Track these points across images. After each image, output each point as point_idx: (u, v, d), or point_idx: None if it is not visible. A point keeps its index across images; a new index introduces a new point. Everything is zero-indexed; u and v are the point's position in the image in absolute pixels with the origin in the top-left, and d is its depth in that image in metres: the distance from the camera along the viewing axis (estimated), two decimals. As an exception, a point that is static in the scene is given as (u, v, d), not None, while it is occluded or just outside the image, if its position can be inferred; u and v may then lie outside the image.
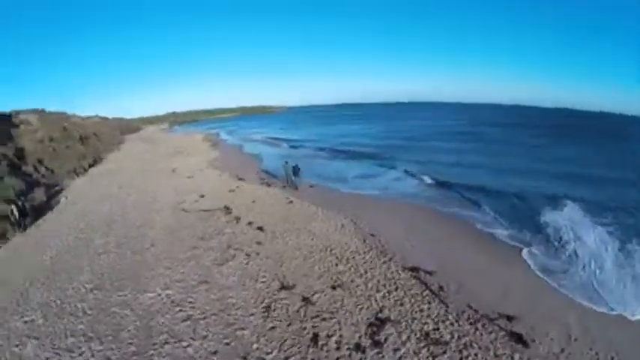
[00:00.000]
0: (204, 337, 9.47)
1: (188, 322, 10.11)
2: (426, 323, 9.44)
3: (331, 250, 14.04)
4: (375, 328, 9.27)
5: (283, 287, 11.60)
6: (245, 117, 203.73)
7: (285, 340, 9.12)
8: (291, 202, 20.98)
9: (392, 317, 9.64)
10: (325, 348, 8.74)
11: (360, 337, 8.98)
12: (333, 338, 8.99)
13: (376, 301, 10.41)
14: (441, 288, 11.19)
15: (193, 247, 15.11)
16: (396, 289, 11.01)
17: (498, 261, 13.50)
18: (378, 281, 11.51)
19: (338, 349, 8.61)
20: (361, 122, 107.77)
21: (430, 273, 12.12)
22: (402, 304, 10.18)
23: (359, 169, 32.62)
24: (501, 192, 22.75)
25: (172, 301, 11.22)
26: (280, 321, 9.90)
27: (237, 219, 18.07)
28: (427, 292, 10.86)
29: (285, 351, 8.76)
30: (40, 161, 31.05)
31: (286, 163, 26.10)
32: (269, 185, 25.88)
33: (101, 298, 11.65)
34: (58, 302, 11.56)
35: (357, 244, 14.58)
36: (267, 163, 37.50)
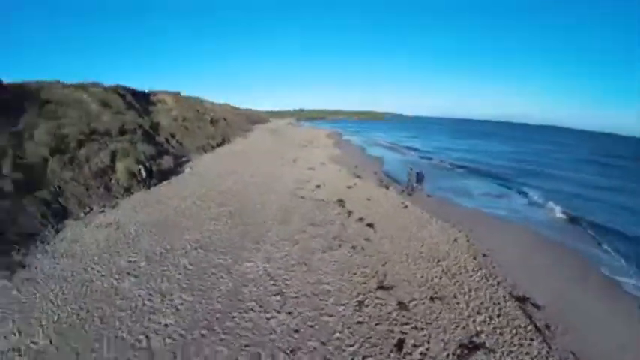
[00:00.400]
0: (290, 313, 10.01)
1: (278, 297, 10.79)
2: (522, 361, 8.77)
3: (438, 262, 13.92)
4: (465, 351, 8.94)
5: (382, 287, 11.73)
6: (359, 121, 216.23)
7: (369, 338, 9.20)
8: (406, 206, 21.10)
9: (487, 344, 9.25)
10: (408, 357, 8.64)
11: (447, 356, 8.75)
12: (419, 349, 8.92)
13: (474, 323, 10.13)
14: (547, 326, 10.53)
15: (302, 230, 16.17)
16: (499, 316, 10.57)
17: (619, 312, 12.27)
18: (482, 303, 11.17)
19: None
20: (480, 139, 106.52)
21: (538, 307, 11.51)
22: (501, 334, 9.74)
23: (480, 187, 32.51)
24: (635, 237, 20.82)
25: (268, 274, 12.17)
26: (370, 318, 10.04)
27: (350, 213, 18.83)
28: (531, 327, 10.24)
29: (367, 348, 8.81)
30: (172, 135, 36.61)
31: (411, 169, 27.58)
32: (387, 188, 26.74)
33: (203, 257, 13.31)
34: (163, 252, 13.56)
35: (467, 260, 14.26)
36: (388, 166, 39.62)
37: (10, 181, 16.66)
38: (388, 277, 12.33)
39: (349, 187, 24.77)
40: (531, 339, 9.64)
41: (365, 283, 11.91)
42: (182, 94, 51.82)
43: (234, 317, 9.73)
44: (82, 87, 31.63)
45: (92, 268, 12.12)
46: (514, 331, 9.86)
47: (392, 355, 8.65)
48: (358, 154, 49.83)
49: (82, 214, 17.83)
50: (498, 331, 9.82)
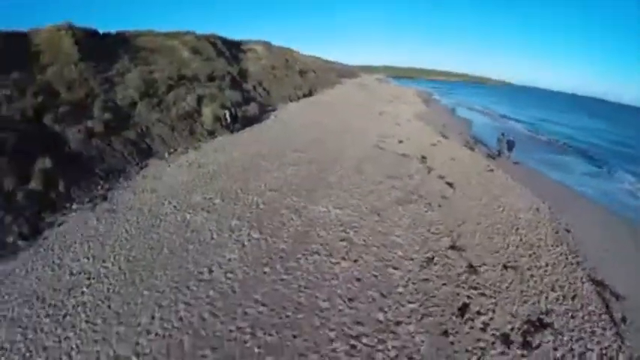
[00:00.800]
0: (355, 261, 9.50)
1: (345, 243, 10.30)
2: (590, 350, 7.78)
3: (517, 230, 12.62)
4: (532, 328, 7.99)
5: (454, 247, 10.78)
6: (462, 84, 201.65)
7: (432, 297, 8.45)
8: (491, 170, 19.46)
9: (556, 325, 8.20)
10: (469, 323, 7.84)
11: (511, 330, 7.86)
12: (482, 318, 8.11)
13: (546, 300, 9.08)
14: (624, 319, 9.13)
15: (379, 181, 15.45)
16: (573, 298, 9.39)
17: None
18: (556, 280, 10.00)
19: (483, 330, 7.78)
20: (584, 116, 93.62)
21: (617, 297, 10.07)
22: (572, 317, 8.66)
23: (572, 163, 29.29)
24: None
25: (339, 220, 11.73)
26: (437, 277, 9.24)
27: (430, 169, 17.77)
28: (607, 316, 8.99)
29: (427, 308, 8.09)
30: (260, 83, 36.98)
31: (502, 134, 26.27)
32: (472, 149, 25.01)
33: (276, 198, 13.20)
34: (238, 192, 13.65)
35: (548, 233, 12.81)
36: (477, 129, 37.66)
37: (100, 121, 17.64)
38: (462, 239, 11.31)
39: (433, 145, 23.47)
40: (604, 329, 8.44)
41: (437, 240, 11.03)
42: (272, 44, 51.96)
43: (298, 258, 9.45)
44: (175, 35, 32.84)
45: (169, 203, 12.49)
46: (587, 317, 8.72)
47: (452, 318, 7.92)
48: (446, 113, 47.50)
49: (166, 154, 18.55)
50: (570, 313, 8.71)
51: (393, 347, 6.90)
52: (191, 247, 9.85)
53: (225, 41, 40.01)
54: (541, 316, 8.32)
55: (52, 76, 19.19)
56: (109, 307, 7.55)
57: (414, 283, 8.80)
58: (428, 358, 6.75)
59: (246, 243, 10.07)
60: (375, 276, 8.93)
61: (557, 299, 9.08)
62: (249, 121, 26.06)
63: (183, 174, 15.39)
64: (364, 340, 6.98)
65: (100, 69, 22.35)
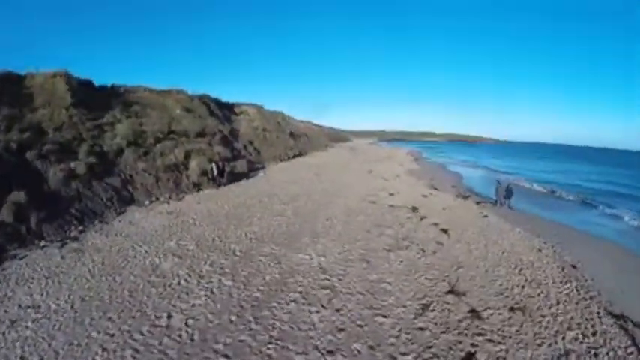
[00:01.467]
0: (337, 310, 8.21)
1: (327, 291, 9.06)
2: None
3: (520, 270, 11.51)
4: None
5: (452, 291, 9.55)
6: (451, 144, 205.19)
7: (430, 347, 7.10)
8: (485, 216, 18.52)
9: None
10: None
11: None
12: None
13: (564, 340, 7.84)
14: None
15: (367, 230, 14.40)
16: (594, 334, 8.19)
17: None
18: (571, 318, 8.79)
19: None
20: (575, 163, 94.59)
21: None
22: (596, 355, 7.46)
23: (568, 206, 28.14)
24: None
25: (321, 268, 10.57)
26: (435, 324, 7.91)
27: (423, 218, 16.76)
28: (634, 349, 7.83)
29: (426, 359, 6.76)
30: (251, 142, 36.96)
31: (498, 183, 24.60)
32: (465, 198, 24.10)
33: (255, 246, 12.14)
34: (216, 239, 12.65)
35: (554, 271, 11.72)
36: (469, 182, 36.62)
37: (84, 164, 17.22)
38: (460, 283, 10.06)
39: (424, 196, 22.56)
40: None
41: (433, 286, 9.78)
42: (265, 107, 52.85)
43: (272, 307, 8.15)
44: (167, 93, 33.01)
45: (140, 247, 11.68)
46: (612, 353, 7.55)
47: None
48: (437, 169, 47.05)
49: (147, 202, 17.98)
50: (593, 351, 7.51)
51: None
52: (154, 290, 8.76)
53: (217, 102, 40.49)
54: (561, 359, 7.13)
55: (42, 117, 19.00)
56: (50, 345, 6.62)
57: (407, 333, 7.48)
58: None
59: (215, 290, 8.85)
60: (361, 326, 7.59)
61: (576, 338, 7.90)
62: (237, 177, 25.46)
63: (160, 221, 14.63)
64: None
65: (91, 117, 22.07)
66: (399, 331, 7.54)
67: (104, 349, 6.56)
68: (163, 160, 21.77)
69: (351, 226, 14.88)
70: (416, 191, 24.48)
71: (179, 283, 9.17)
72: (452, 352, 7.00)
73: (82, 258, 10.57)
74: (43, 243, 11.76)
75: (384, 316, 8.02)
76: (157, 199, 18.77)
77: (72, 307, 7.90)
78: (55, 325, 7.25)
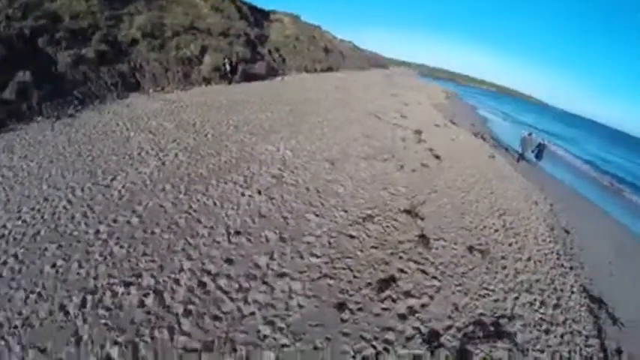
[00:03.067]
0: (271, 198, 7.96)
1: (274, 181, 8.85)
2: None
3: (501, 215, 10.05)
4: (480, 334, 5.40)
5: (409, 212, 8.59)
6: (496, 95, 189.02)
7: (349, 258, 6.35)
8: (492, 156, 16.96)
9: (518, 338, 5.57)
10: (386, 303, 5.49)
11: (448, 328, 5.35)
12: (410, 301, 5.69)
13: (515, 301, 6.50)
14: (618, 352, 6.33)
15: (354, 138, 13.73)
16: (555, 306, 6.74)
17: None
18: (537, 280, 7.39)
19: (402, 317, 5.35)
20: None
21: (616, 321, 7.19)
22: (547, 332, 6.01)
23: (600, 180, 23.92)
24: None
25: (282, 160, 10.29)
26: (369, 237, 7.14)
27: (421, 141, 15.67)
28: (597, 341, 6.30)
29: (335, 268, 6.01)
30: (277, 49, 35.42)
31: (529, 135, 19.70)
32: (482, 138, 22.16)
33: (230, 133, 12.02)
34: (197, 123, 12.61)
35: (541, 228, 10.12)
36: (495, 128, 33.56)
37: (94, 50, 16.89)
38: (426, 207, 9.08)
39: (436, 125, 21.03)
40: (588, 358, 5.86)
41: (391, 201, 8.96)
42: (302, 19, 50.07)
43: (209, 184, 8.02)
44: (198, -10, 31.44)
45: (124, 124, 11.67)
46: (568, 337, 6.08)
47: (364, 291, 5.66)
48: (466, 109, 43.10)
49: (152, 91, 17.72)
50: (545, 326, 6.10)
51: (255, 302, 5.00)
52: (114, 158, 8.84)
53: (251, 6, 38.45)
54: (502, 321, 5.82)
55: (60, 5, 18.34)
56: (7, 193, 6.99)
57: (331, 236, 6.85)
58: (296, 330, 4.69)
59: (167, 162, 8.79)
60: (286, 218, 7.19)
61: (532, 304, 6.53)
62: (252, 78, 24.68)
63: (154, 105, 14.42)
64: (220, 281, 5.24)
65: (112, 7, 21.34)
66: (324, 232, 6.97)
67: (45, 199, 6.87)
68: (177, 53, 21.20)
69: (339, 131, 14.30)
70: (430, 119, 22.99)
71: (139, 154, 9.22)
72: (371, 269, 6.19)
73: (68, 132, 10.60)
74: (39, 119, 11.84)
75: (316, 215, 7.54)
76: (163, 88, 18.53)
77: (39, 167, 8.14)
78: (17, 179, 7.53)
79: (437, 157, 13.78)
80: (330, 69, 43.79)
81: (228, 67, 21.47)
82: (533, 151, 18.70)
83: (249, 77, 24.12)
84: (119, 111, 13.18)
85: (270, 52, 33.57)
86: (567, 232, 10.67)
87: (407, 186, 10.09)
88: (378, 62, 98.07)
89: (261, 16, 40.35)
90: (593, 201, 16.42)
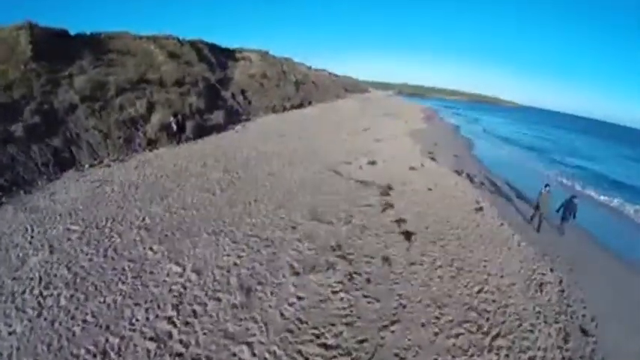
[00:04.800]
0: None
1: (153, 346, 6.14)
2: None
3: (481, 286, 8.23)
4: None
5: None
6: (471, 104, 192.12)
7: None
8: (480, 209, 13.76)
9: None
10: None
11: None
12: None
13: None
14: None
15: (293, 225, 10.46)
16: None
17: None
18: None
19: None
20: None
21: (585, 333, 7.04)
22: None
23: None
24: None
25: (181, 289, 7.04)
26: None
27: (389, 207, 12.60)
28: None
29: None
30: (242, 91, 33.21)
31: (547, 187, 13.48)
32: (468, 178, 18.89)
33: (140, 238, 9.08)
34: (107, 222, 9.67)
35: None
36: (483, 154, 30.16)
37: (22, 126, 14.90)
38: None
39: (412, 169, 18.36)
40: None
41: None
42: (270, 53, 48.45)
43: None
44: (153, 39, 29.43)
45: (29, 234, 8.99)
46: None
47: None
48: (447, 134, 39.87)
49: (87, 166, 15.45)
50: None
51: None
52: None
53: (213, 47, 36.43)
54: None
55: None
56: None
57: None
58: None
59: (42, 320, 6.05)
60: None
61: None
62: (209, 131, 22.29)
63: (76, 194, 11.99)
64: None
65: (53, 69, 19.23)
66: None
67: None
68: (120, 115, 18.89)
69: (280, 212, 11.21)
70: (407, 159, 20.30)
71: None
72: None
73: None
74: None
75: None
76: (101, 161, 16.20)
77: None
78: None
79: (406, 235, 10.65)
80: (301, 105, 41.75)
81: (174, 126, 19.22)
82: (558, 210, 13.34)
83: (204, 131, 21.72)
84: (39, 205, 10.83)
85: (233, 95, 31.42)
86: (585, 333, 7.50)
87: (349, 325, 6.61)
88: (355, 88, 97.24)
89: (226, 56, 38.46)
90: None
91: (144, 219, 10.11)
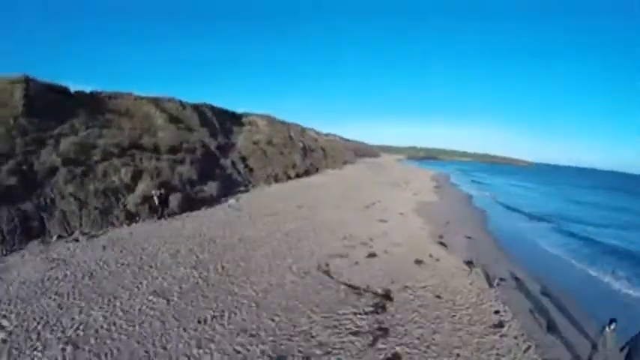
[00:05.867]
0: None
1: None
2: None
3: None
4: None
5: None
6: (485, 166, 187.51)
7: None
8: (500, 325, 10.67)
9: None
10: None
11: None
12: None
13: None
14: None
15: (274, 334, 8.64)
16: None
17: None
18: None
19: None
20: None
21: None
22: None
23: None
24: None
25: None
26: None
27: (382, 333, 9.50)
28: None
29: None
30: (244, 158, 32.38)
31: (612, 324, 9.17)
32: (484, 273, 15.25)
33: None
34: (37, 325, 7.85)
35: None
36: (501, 234, 25.32)
37: None
38: None
39: (418, 262, 15.63)
40: None
41: None
42: (277, 118, 48.47)
43: None
44: (155, 101, 29.26)
45: None
46: None
47: None
48: (460, 206, 36.66)
49: (55, 238, 14.23)
50: None
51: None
52: None
53: (218, 111, 36.30)
54: None
55: None
56: None
57: None
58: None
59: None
60: None
61: None
62: (197, 204, 20.76)
63: (32, 275, 10.70)
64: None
65: (43, 127, 18.62)
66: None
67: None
68: (102, 183, 17.74)
69: (234, 342, 8.40)
70: (413, 248, 17.63)
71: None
72: None
73: None
74: None
75: None
76: (72, 233, 14.83)
77: None
78: None
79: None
80: (307, 172, 40.80)
81: (156, 200, 17.83)
82: (622, 349, 9.47)
83: (193, 204, 20.35)
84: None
85: (233, 163, 30.41)
86: None
87: None
88: (366, 152, 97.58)
89: (231, 121, 38.26)
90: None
91: (77, 328, 8.25)
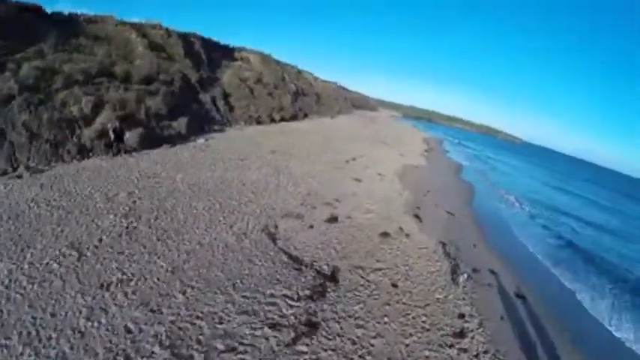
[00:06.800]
0: None
1: None
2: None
3: None
4: None
5: None
6: (477, 137, 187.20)
7: None
8: (461, 335, 9.25)
9: None
10: None
11: None
12: None
13: None
14: None
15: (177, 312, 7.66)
16: None
17: None
18: None
19: None
20: None
21: None
22: None
23: None
24: None
25: None
26: None
27: (311, 328, 8.26)
28: None
29: None
30: (226, 95, 30.95)
31: None
32: (457, 261, 13.75)
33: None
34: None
35: None
36: (486, 214, 23.69)
37: None
38: None
39: (384, 235, 14.36)
40: None
41: None
42: (273, 57, 46.13)
43: None
44: (137, 27, 27.36)
45: None
46: None
47: None
48: (449, 173, 35.24)
49: None
50: None
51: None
52: None
53: (208, 43, 34.28)
54: None
55: None
56: None
57: None
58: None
59: None
60: None
61: None
62: (161, 142, 20.01)
63: None
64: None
65: (7, 51, 17.39)
66: None
67: None
68: (60, 113, 16.85)
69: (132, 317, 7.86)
70: (382, 217, 16.29)
71: None
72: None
73: None
74: None
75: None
76: (16, 168, 14.11)
77: None
78: None
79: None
80: (294, 117, 39.43)
81: (111, 134, 17.07)
82: None
83: (157, 141, 19.46)
84: None
85: (214, 99, 29.15)
86: None
87: None
88: (364, 104, 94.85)
89: (222, 55, 36.35)
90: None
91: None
